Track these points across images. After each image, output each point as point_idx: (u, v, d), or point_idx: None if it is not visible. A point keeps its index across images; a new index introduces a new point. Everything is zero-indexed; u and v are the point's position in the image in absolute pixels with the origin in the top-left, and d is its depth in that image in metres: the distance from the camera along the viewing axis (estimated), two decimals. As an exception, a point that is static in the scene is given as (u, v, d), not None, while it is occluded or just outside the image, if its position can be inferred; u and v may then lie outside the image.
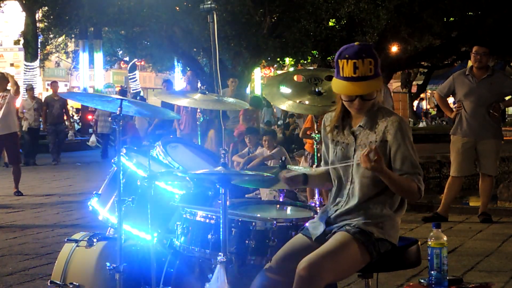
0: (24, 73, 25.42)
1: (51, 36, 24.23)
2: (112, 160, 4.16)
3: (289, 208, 4.27)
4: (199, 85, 13.24)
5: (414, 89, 39.31)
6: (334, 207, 3.45)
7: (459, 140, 7.97)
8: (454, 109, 8.16)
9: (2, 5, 25.82)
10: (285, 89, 4.23)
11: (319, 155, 4.28)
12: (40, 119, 17.29)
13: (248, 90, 25.30)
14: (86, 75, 27.54)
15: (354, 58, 3.27)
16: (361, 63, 3.28)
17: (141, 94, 31.43)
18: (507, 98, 8.26)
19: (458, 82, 8.02)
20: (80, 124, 27.03)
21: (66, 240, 4.28)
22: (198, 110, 5.17)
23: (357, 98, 3.34)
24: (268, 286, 3.30)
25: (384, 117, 3.36)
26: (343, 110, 3.45)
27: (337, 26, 21.86)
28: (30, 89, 17.74)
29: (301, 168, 4.44)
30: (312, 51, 21.23)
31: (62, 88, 38.77)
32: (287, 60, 26.86)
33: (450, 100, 10.43)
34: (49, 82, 19.33)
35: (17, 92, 10.76)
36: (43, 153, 17.67)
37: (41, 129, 17.52)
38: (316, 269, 3.17)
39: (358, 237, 3.28)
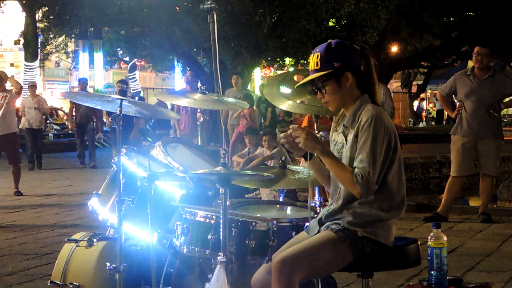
0: (24, 73, 25.43)
1: (51, 36, 24.25)
2: (112, 160, 4.17)
3: (289, 208, 4.27)
4: (199, 85, 13.25)
5: (414, 89, 39.35)
6: (328, 207, 3.45)
7: (459, 140, 7.97)
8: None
9: (2, 5, 25.84)
10: (285, 89, 4.22)
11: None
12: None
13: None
14: (86, 75, 27.54)
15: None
16: (311, 58, 3.42)
17: (141, 94, 31.42)
18: (507, 99, 8.26)
19: (459, 82, 8.03)
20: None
21: (66, 240, 4.28)
22: (198, 110, 5.16)
23: (317, 91, 3.41)
24: (268, 280, 3.30)
25: (363, 113, 3.34)
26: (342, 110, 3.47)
27: (337, 26, 21.88)
28: (32, 86, 16.36)
29: (301, 168, 4.44)
30: (312, 51, 21.24)
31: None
32: (287, 60, 26.87)
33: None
34: (79, 79, 17.65)
35: (19, 92, 10.79)
36: (45, 153, 17.47)
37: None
38: (290, 263, 3.17)
39: (340, 234, 3.27)
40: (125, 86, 13.76)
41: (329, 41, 3.44)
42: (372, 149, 3.24)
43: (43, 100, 16.55)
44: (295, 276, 3.17)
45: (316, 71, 3.36)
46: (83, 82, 16.31)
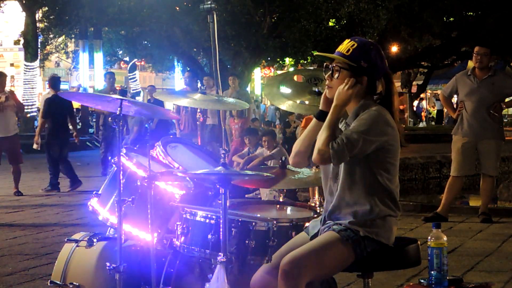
0: (24, 73, 25.42)
1: (51, 36, 24.23)
2: (112, 160, 4.16)
3: (289, 208, 4.28)
4: (199, 85, 13.25)
5: (414, 89, 39.34)
6: (327, 206, 3.45)
7: (459, 140, 7.98)
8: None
9: (2, 5, 25.82)
10: (285, 89, 4.23)
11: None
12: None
13: (248, 90, 25.25)
14: (86, 75, 27.53)
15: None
16: (346, 42, 3.44)
17: (141, 94, 31.36)
18: (508, 99, 8.26)
19: (460, 83, 8.04)
20: (80, 124, 27.01)
21: (66, 240, 4.28)
22: (198, 110, 5.18)
23: (328, 74, 3.42)
24: (268, 281, 3.30)
25: (365, 111, 3.36)
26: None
27: (337, 26, 21.86)
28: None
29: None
30: (312, 51, 21.24)
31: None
32: (287, 60, 26.86)
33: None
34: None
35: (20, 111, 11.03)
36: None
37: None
38: (299, 264, 3.19)
39: (343, 234, 3.28)
40: (112, 80, 13.10)
41: (371, 40, 3.52)
42: (357, 134, 3.24)
43: None
44: (303, 278, 3.19)
45: (343, 55, 3.40)
46: (110, 77, 13.45)
